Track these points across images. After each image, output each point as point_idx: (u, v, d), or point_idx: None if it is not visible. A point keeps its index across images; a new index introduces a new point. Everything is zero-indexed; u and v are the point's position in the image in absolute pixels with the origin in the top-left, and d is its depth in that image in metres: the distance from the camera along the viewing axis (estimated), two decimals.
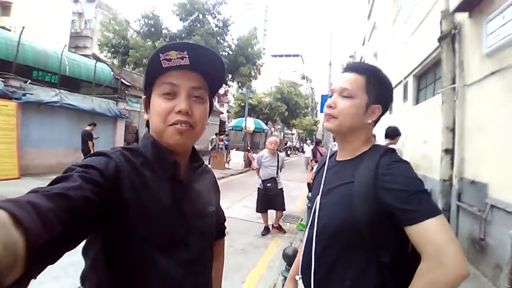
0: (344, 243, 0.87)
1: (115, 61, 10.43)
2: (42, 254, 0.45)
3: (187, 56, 0.72)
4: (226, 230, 1.13)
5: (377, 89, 0.94)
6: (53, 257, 0.49)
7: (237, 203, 7.06)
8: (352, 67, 0.97)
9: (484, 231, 3.39)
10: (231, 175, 12.32)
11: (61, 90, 9.53)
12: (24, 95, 8.17)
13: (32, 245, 0.41)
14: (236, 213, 6.10)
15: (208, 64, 0.77)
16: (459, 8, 4.02)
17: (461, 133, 4.26)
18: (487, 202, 3.35)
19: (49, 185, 0.55)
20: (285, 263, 2.05)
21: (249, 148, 16.55)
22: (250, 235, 4.86)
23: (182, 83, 0.74)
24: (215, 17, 10.13)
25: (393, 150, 0.91)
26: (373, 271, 0.82)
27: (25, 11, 23.91)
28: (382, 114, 0.96)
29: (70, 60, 11.57)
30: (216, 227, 0.95)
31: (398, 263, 0.80)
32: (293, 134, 45.99)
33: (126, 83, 13.16)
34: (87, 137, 8.55)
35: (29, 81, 8.73)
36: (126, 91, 13.11)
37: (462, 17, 4.29)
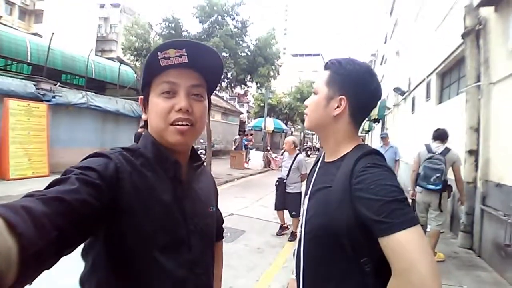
0: (326, 247, 0.84)
1: (138, 64, 10.74)
2: (37, 260, 0.44)
3: (185, 54, 0.71)
4: (224, 232, 1.12)
5: (341, 80, 0.88)
6: (49, 263, 0.47)
7: (255, 203, 7.10)
8: (325, 65, 0.96)
9: (510, 236, 3.21)
10: (251, 175, 12.38)
11: (88, 92, 9.97)
12: (54, 97, 8.63)
13: (26, 251, 0.40)
14: (254, 213, 6.13)
15: (207, 62, 0.76)
16: (484, 2, 3.85)
17: (486, 134, 4.07)
18: None
19: (46, 188, 0.54)
20: None
21: (268, 148, 16.57)
22: (267, 234, 4.87)
23: (181, 81, 0.74)
24: (234, 18, 10.17)
25: (374, 152, 0.84)
26: (355, 280, 0.78)
27: (55, 17, 25.22)
28: (361, 105, 0.90)
29: (96, 63, 12.06)
30: (215, 227, 0.94)
31: (381, 272, 0.74)
32: (313, 134, 45.44)
33: None
34: (138, 139, 8.93)
35: (58, 84, 9.18)
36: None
37: (487, 12, 4.10)
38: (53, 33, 9.68)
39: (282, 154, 17.69)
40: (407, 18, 10.45)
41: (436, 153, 3.61)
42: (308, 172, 1.13)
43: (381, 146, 6.39)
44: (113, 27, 30.88)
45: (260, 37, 10.82)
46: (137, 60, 10.35)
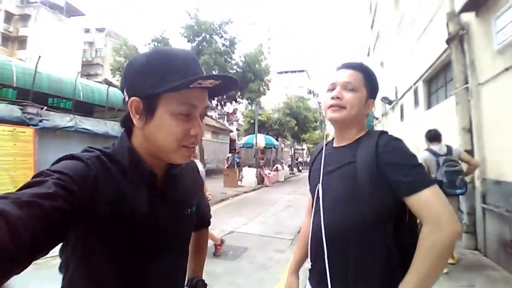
0: (353, 224, 0.92)
1: None
2: (7, 264, 0.43)
3: (217, 83, 0.69)
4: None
5: (371, 85, 1.05)
6: (19, 267, 0.46)
7: (254, 220, 6.98)
8: (349, 65, 1.06)
9: None
10: (245, 192, 12.24)
11: (76, 115, 9.82)
12: (40, 121, 8.43)
13: None
14: (254, 230, 6.02)
15: (224, 91, 0.79)
16: (465, 9, 4.04)
17: (479, 133, 4.17)
18: None
19: (20, 189, 0.53)
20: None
21: (260, 164, 16.53)
22: (269, 250, 4.76)
23: (200, 104, 0.70)
24: (222, 36, 10.41)
25: (387, 132, 1.00)
26: (379, 242, 0.90)
27: (39, 43, 25.10)
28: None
29: (83, 86, 11.96)
30: (198, 218, 0.95)
31: (399, 232, 0.90)
32: (303, 149, 45.73)
33: None
34: None
35: (45, 107, 9.02)
36: (125, 96, 13.41)
37: (469, 17, 4.30)
38: (40, 56, 9.60)
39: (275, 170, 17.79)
40: (388, 31, 10.86)
41: (444, 154, 3.56)
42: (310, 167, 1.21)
43: None
44: (98, 51, 30.94)
45: (249, 53, 11.05)
46: None
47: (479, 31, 4.08)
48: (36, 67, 9.55)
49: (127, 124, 0.74)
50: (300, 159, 36.88)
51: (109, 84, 13.11)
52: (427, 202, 0.81)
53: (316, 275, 1.02)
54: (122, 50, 10.04)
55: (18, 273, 0.46)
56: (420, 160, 3.13)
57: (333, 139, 1.14)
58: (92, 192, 0.60)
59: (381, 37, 12.98)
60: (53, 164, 0.62)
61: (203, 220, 1.07)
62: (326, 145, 1.15)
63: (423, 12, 6.37)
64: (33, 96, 9.11)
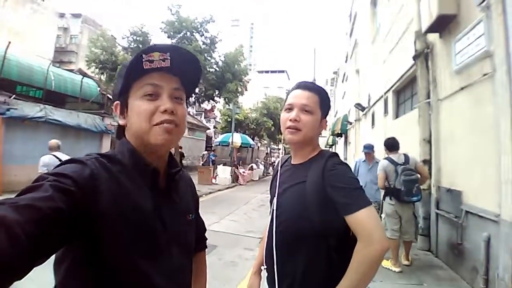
0: (299, 234, 1.05)
1: (103, 77, 10.45)
2: (7, 270, 0.42)
3: (168, 58, 0.72)
4: (207, 242, 1.12)
5: (326, 106, 1.16)
6: (20, 273, 0.46)
7: (225, 218, 7.08)
8: (306, 87, 1.15)
9: (461, 236, 3.58)
10: (219, 190, 12.28)
11: (46, 106, 9.43)
12: (8, 110, 8.06)
13: None
14: (225, 227, 6.14)
15: (187, 67, 0.78)
16: (430, 29, 4.36)
17: (437, 145, 4.53)
18: (463, 208, 3.57)
19: (18, 195, 0.52)
20: None
21: (236, 163, 16.61)
22: (239, 248, 4.89)
23: (164, 84, 0.74)
24: (203, 34, 10.39)
25: (336, 154, 1.12)
26: (323, 253, 1.02)
27: (9, 26, 23.63)
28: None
29: (56, 75, 11.48)
30: (196, 237, 0.92)
31: (342, 245, 1.01)
32: (279, 149, 46.22)
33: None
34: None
35: (14, 96, 8.61)
36: (112, 107, 13.04)
37: (433, 37, 4.65)
38: (9, 42, 9.13)
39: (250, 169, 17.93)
40: (365, 40, 11.30)
41: (402, 163, 3.79)
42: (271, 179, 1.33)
43: (364, 161, 5.10)
44: (73, 37, 29.56)
45: (229, 53, 11.09)
46: (102, 73, 10.07)
47: (442, 51, 4.43)
48: (5, 52, 9.08)
49: (121, 133, 0.80)
50: (273, 159, 37.15)
51: (84, 74, 12.68)
52: (362, 221, 0.92)
53: (269, 277, 1.15)
54: (99, 42, 9.76)
55: (19, 279, 0.46)
56: (379, 168, 3.33)
57: (289, 157, 1.27)
58: (92, 191, 0.60)
59: (358, 46, 13.45)
60: (53, 168, 0.63)
61: (201, 242, 1.05)
62: (286, 160, 1.29)
63: (396, 27, 6.74)
64: (1, 83, 8.67)
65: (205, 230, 1.09)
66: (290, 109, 1.13)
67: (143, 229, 0.68)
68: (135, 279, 0.66)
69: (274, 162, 33.21)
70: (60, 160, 4.33)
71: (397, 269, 3.67)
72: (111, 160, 0.70)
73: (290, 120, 1.10)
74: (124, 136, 0.78)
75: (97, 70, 10.06)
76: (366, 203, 0.96)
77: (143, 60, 0.71)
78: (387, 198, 3.93)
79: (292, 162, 1.22)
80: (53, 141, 4.71)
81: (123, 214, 0.64)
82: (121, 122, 0.77)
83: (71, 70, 14.11)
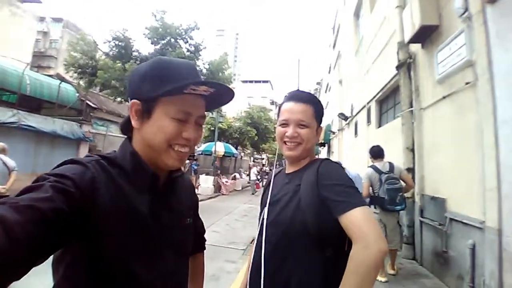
0: (293, 241, 0.98)
1: (82, 82, 10.10)
2: (6, 269, 0.43)
3: (211, 90, 0.73)
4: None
5: (320, 115, 1.14)
6: (20, 272, 0.46)
7: (207, 228, 6.82)
8: (301, 98, 1.13)
9: (446, 244, 3.58)
10: (201, 200, 11.99)
11: (19, 111, 8.99)
12: None
13: None
14: (206, 239, 5.92)
15: (220, 101, 0.81)
16: (413, 40, 4.46)
17: (420, 153, 4.58)
18: (447, 216, 3.58)
19: (18, 195, 0.52)
20: None
21: (218, 172, 16.38)
22: (220, 260, 4.71)
23: (194, 111, 0.75)
24: (187, 41, 10.29)
25: (329, 159, 1.10)
26: (319, 264, 0.95)
27: None
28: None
29: (32, 79, 11.00)
30: (194, 240, 0.93)
31: (338, 256, 0.93)
32: (262, 158, 46.31)
33: (92, 105, 12.73)
34: None
35: None
36: (91, 114, 12.66)
37: (416, 48, 4.76)
38: None
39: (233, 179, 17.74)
40: (348, 51, 11.56)
41: (386, 171, 3.79)
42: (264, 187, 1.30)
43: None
44: (53, 42, 28.72)
45: (213, 60, 11.03)
46: (81, 78, 9.74)
47: (424, 61, 4.53)
48: None
49: (127, 129, 0.78)
50: (256, 168, 36.97)
51: (62, 79, 12.23)
52: (356, 222, 0.85)
53: None
54: (79, 46, 9.46)
55: (18, 279, 0.46)
56: (364, 176, 3.27)
57: (282, 168, 1.25)
58: (91, 193, 0.61)
59: (341, 57, 13.75)
60: (53, 169, 0.62)
61: (199, 243, 1.06)
62: (280, 171, 1.26)
63: (379, 38, 6.90)
64: None
65: (204, 231, 1.10)
66: (285, 124, 1.11)
67: (139, 232, 0.68)
68: (130, 280, 0.66)
69: (258, 172, 33.23)
70: (4, 163, 4.34)
71: (383, 279, 3.60)
72: (111, 163, 0.71)
73: (288, 136, 1.10)
74: (129, 133, 0.78)
75: (75, 74, 9.72)
76: (360, 202, 0.89)
77: (188, 87, 0.70)
78: (371, 207, 3.92)
79: (286, 172, 1.19)
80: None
81: (120, 217, 0.64)
82: (135, 124, 0.75)
83: (49, 75, 13.61)
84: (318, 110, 1.13)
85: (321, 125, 1.17)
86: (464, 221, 3.22)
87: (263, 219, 1.10)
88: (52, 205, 0.51)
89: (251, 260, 1.10)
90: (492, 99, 2.82)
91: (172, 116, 0.72)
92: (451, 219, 3.51)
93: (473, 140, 3.15)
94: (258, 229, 1.11)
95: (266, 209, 1.12)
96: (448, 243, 3.56)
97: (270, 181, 1.22)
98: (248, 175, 17.93)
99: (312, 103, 1.12)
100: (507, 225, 2.50)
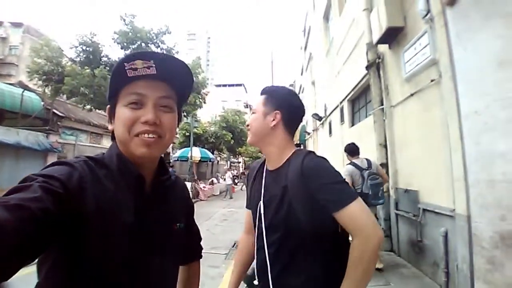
0: (292, 242, 1.00)
1: (47, 90, 9.60)
2: None
3: (153, 65, 0.70)
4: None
5: (274, 100, 1.14)
6: (8, 272, 0.45)
7: None
8: (261, 90, 1.20)
9: (420, 233, 3.77)
10: None
11: None
12: None
13: None
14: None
15: (175, 73, 0.75)
16: (380, 41, 4.67)
17: (392, 149, 4.79)
18: (420, 207, 3.78)
19: (6, 194, 0.52)
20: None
21: (195, 178, 16.14)
22: (204, 266, 4.50)
23: (148, 93, 0.72)
24: (159, 46, 10.11)
25: (312, 152, 1.08)
26: (320, 259, 0.98)
27: None
28: (291, 117, 1.15)
29: None
30: (189, 247, 0.91)
31: (337, 249, 0.97)
32: (239, 162, 46.26)
33: (59, 113, 12.14)
34: None
35: None
36: (59, 123, 12.07)
37: (384, 48, 4.99)
38: None
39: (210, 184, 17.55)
40: (319, 53, 11.86)
41: (366, 168, 3.92)
42: (249, 185, 1.27)
43: None
44: (13, 49, 27.07)
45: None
46: (46, 85, 9.26)
47: (392, 61, 4.76)
48: None
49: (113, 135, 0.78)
50: (234, 172, 36.87)
51: (25, 87, 11.56)
52: (353, 216, 0.90)
53: None
54: (43, 51, 9.00)
55: (6, 279, 0.45)
56: (345, 173, 3.35)
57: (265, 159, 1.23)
58: (79, 195, 0.60)
59: (313, 59, 14.08)
60: (41, 170, 0.62)
61: (195, 251, 1.03)
62: (261, 165, 1.24)
63: (348, 40, 7.16)
64: None
65: (200, 239, 1.05)
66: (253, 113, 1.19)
67: (124, 238, 0.66)
68: (115, 284, 0.65)
69: (236, 176, 33.13)
70: None
71: (379, 266, 3.79)
72: (98, 164, 0.70)
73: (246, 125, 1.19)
74: (115, 139, 0.77)
75: (40, 82, 9.22)
76: (352, 196, 0.93)
77: (126, 68, 0.69)
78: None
79: (269, 169, 1.17)
80: None
81: (104, 221, 0.63)
82: (110, 127, 0.77)
83: (10, 84, 12.81)
84: (269, 97, 1.16)
85: (279, 109, 1.13)
86: (436, 210, 3.41)
87: (260, 216, 1.10)
88: (41, 205, 0.51)
89: (255, 264, 1.12)
90: (455, 95, 3.01)
91: (127, 102, 0.72)
92: (424, 210, 3.70)
93: (439, 134, 3.35)
94: (256, 232, 1.12)
95: (261, 204, 1.11)
96: (423, 232, 3.75)
97: (254, 178, 1.23)
98: (224, 179, 17.85)
99: (263, 92, 1.18)
100: (474, 211, 2.67)
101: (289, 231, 1.00)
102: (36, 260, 0.62)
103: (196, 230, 1.03)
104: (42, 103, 11.76)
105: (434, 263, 3.46)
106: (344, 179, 0.99)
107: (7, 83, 12.71)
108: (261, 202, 1.11)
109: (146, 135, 0.70)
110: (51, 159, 10.93)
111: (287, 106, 1.13)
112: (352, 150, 4.18)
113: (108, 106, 0.77)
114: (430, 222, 3.61)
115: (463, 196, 2.86)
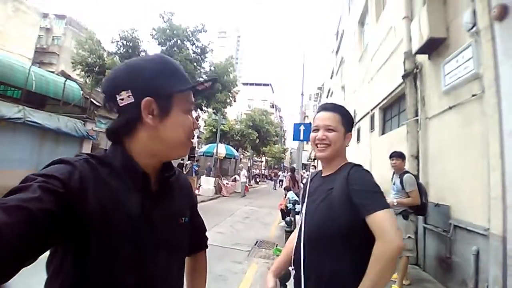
0: (326, 237, 1.14)
1: (88, 80, 10.17)
2: None
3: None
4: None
5: (347, 122, 1.30)
6: (9, 273, 0.46)
7: (211, 230, 6.91)
8: (328, 108, 1.32)
9: (449, 250, 3.69)
10: (202, 201, 12.03)
11: (25, 107, 9.03)
12: None
13: None
14: (211, 240, 5.80)
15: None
16: (420, 51, 4.59)
17: (425, 160, 4.70)
18: (451, 222, 3.70)
19: (6, 195, 0.52)
20: None
21: (219, 174, 16.43)
22: (227, 261, 4.77)
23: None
24: (194, 43, 10.43)
25: (360, 165, 1.23)
26: (348, 256, 1.11)
27: None
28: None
29: (37, 75, 11.06)
30: (193, 238, 0.93)
31: (364, 250, 1.06)
32: (262, 161, 46.37)
33: (97, 103, 12.79)
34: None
35: None
36: (95, 112, 12.71)
37: (422, 58, 4.89)
38: None
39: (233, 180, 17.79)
40: (352, 58, 11.70)
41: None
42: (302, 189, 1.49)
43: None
44: (55, 39, 28.78)
45: (219, 63, 11.16)
46: (88, 76, 9.81)
47: (431, 72, 4.66)
48: None
49: (118, 131, 0.74)
50: (257, 171, 37.01)
51: (67, 77, 12.30)
52: (379, 222, 1.01)
53: (296, 277, 1.23)
54: (87, 44, 9.55)
55: (7, 280, 0.45)
56: (413, 183, 3.33)
57: (319, 170, 1.41)
58: (80, 194, 0.60)
59: (344, 63, 13.89)
60: (42, 169, 0.62)
61: (200, 242, 1.04)
62: (316, 174, 1.42)
63: (385, 47, 7.04)
64: None
65: (205, 230, 1.07)
66: (317, 130, 1.31)
67: (129, 234, 0.66)
68: (116, 284, 0.65)
69: (258, 175, 33.25)
70: None
71: (406, 282, 3.76)
72: (101, 162, 0.69)
73: (318, 139, 1.28)
74: (120, 138, 0.74)
75: (82, 73, 9.79)
76: (384, 205, 1.04)
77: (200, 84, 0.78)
78: (411, 216, 3.79)
79: (322, 175, 1.35)
80: None
81: (109, 217, 0.63)
82: (152, 122, 0.71)
83: (51, 72, 13.64)
84: (344, 117, 1.30)
85: (351, 131, 1.33)
86: (469, 228, 3.33)
87: (302, 215, 1.28)
88: (40, 205, 0.50)
89: (293, 249, 1.28)
90: (498, 112, 2.94)
91: (185, 111, 0.77)
92: (455, 226, 3.62)
93: (478, 150, 3.27)
94: (298, 226, 1.30)
95: (303, 208, 1.30)
96: (452, 249, 3.67)
97: (308, 183, 1.39)
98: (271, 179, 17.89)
99: (339, 111, 1.30)
100: (511, 233, 2.61)
101: (324, 225, 1.15)
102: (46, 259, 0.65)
103: (199, 222, 1.03)
104: (82, 92, 12.45)
105: (462, 282, 3.38)
106: (381, 191, 1.11)
107: (49, 71, 13.56)
108: (306, 201, 1.30)
109: (192, 139, 0.82)
110: (87, 145, 11.54)
111: (352, 128, 1.34)
112: (405, 158, 4.01)
113: (151, 100, 0.70)
114: (460, 239, 3.53)
115: (499, 215, 2.79)
